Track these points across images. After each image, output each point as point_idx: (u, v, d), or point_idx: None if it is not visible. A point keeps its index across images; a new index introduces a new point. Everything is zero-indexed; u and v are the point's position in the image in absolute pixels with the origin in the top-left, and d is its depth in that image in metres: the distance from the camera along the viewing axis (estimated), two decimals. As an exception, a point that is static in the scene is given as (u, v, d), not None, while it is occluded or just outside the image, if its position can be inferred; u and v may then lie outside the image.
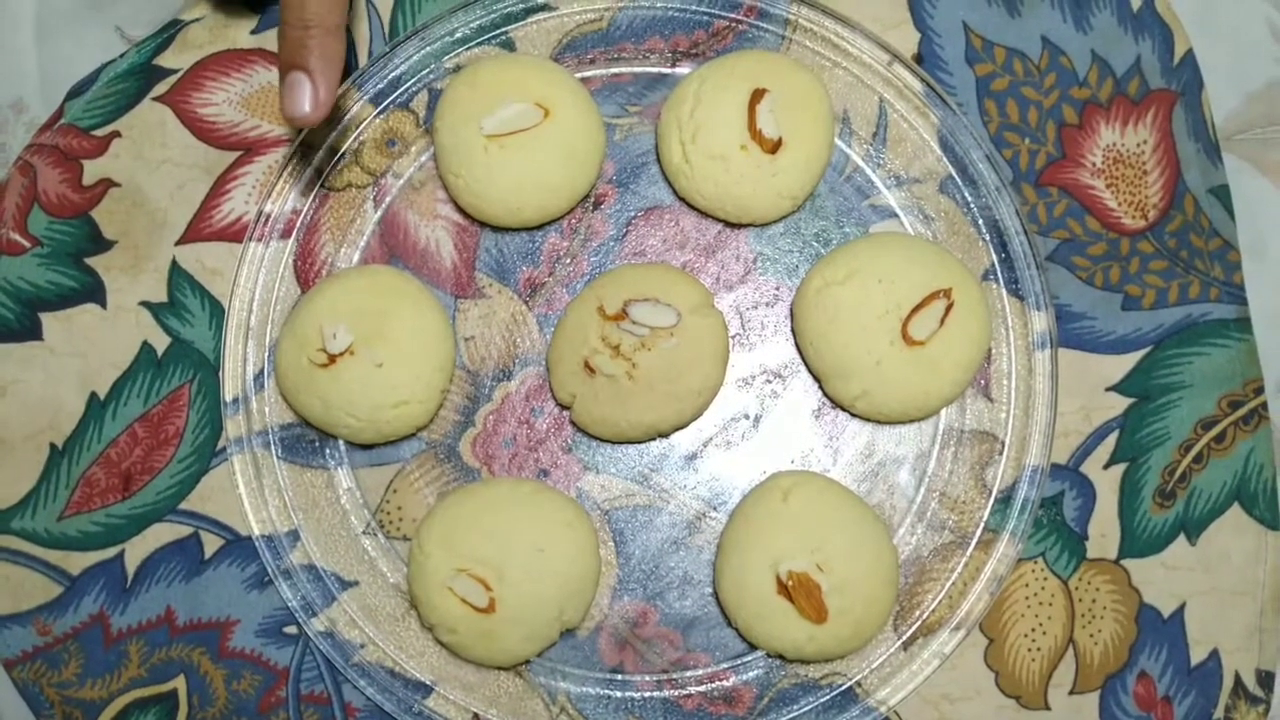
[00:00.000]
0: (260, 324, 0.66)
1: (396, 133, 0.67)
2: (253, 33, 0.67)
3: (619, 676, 0.64)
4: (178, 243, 0.66)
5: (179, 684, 0.64)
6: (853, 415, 0.65)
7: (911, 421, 0.65)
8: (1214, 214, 0.66)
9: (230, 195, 0.66)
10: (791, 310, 0.65)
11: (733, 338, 0.66)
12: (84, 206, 0.66)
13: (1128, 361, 0.65)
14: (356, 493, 0.65)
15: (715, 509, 0.65)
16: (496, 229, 0.66)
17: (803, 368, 0.65)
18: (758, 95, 0.63)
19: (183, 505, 0.65)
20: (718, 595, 0.63)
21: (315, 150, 0.66)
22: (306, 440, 0.65)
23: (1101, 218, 0.66)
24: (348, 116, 0.66)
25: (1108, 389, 0.65)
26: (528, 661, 0.64)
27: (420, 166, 0.67)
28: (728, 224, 0.66)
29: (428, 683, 0.64)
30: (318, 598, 0.64)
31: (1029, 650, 0.64)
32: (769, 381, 0.66)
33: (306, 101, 0.56)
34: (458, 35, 0.67)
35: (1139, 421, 0.65)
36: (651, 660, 0.64)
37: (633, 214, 0.67)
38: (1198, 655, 0.64)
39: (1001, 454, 0.65)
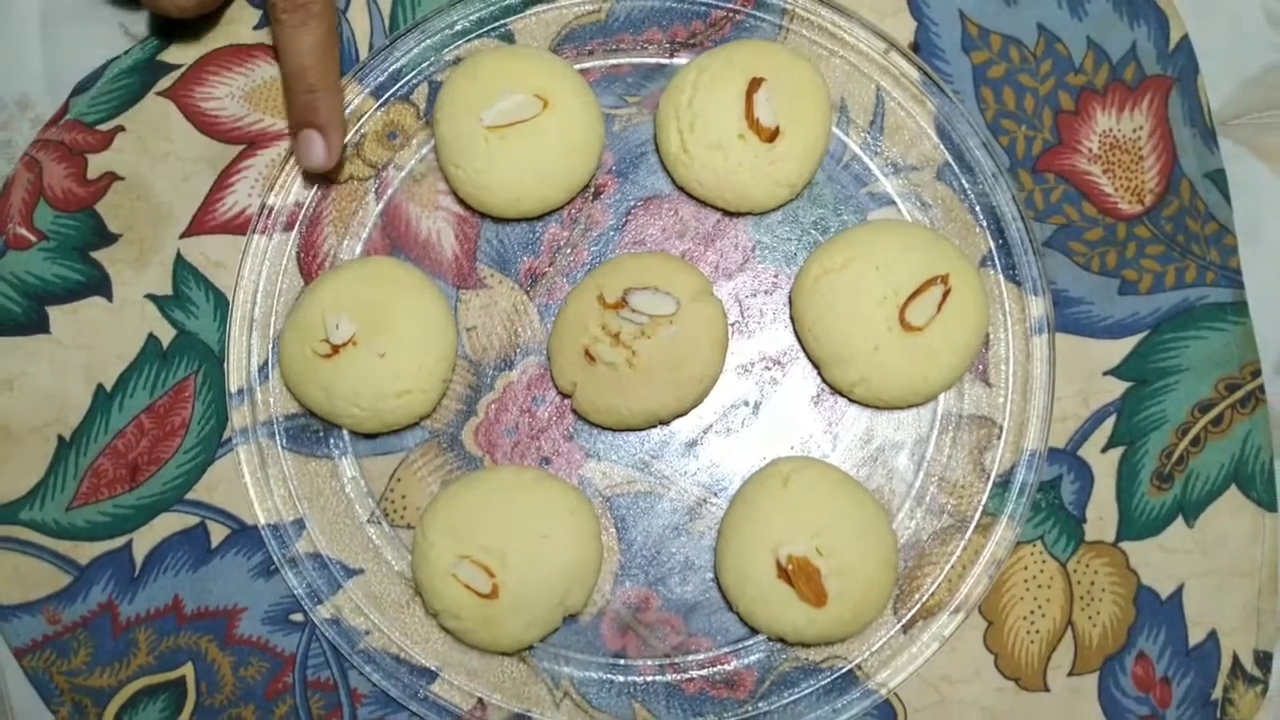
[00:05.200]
0: (264, 316, 0.66)
1: (397, 125, 0.67)
2: (255, 28, 0.67)
3: (621, 661, 0.65)
4: (182, 236, 0.67)
5: (187, 671, 0.65)
6: (851, 401, 0.65)
7: (910, 407, 0.65)
8: (1210, 198, 0.66)
9: (233, 189, 0.67)
10: (790, 297, 0.66)
11: (732, 325, 0.66)
12: (89, 200, 0.66)
13: (1125, 346, 0.66)
14: (361, 482, 0.66)
15: (716, 495, 0.65)
16: (497, 220, 0.67)
17: (802, 354, 0.66)
18: (755, 84, 0.64)
19: (189, 495, 0.65)
20: (719, 580, 0.64)
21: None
22: (311, 430, 0.66)
23: (1098, 203, 0.66)
24: (349, 109, 0.67)
25: (1105, 373, 0.66)
26: (531, 647, 0.64)
27: (421, 158, 0.67)
28: (726, 212, 0.67)
29: (433, 668, 0.64)
30: (323, 585, 0.65)
31: (1028, 632, 0.64)
32: (768, 368, 0.66)
33: (321, 153, 0.64)
34: (457, 28, 0.67)
35: (1136, 405, 0.65)
36: (653, 645, 0.65)
37: (632, 203, 0.67)
38: (1196, 636, 0.64)
39: (1000, 438, 0.65)
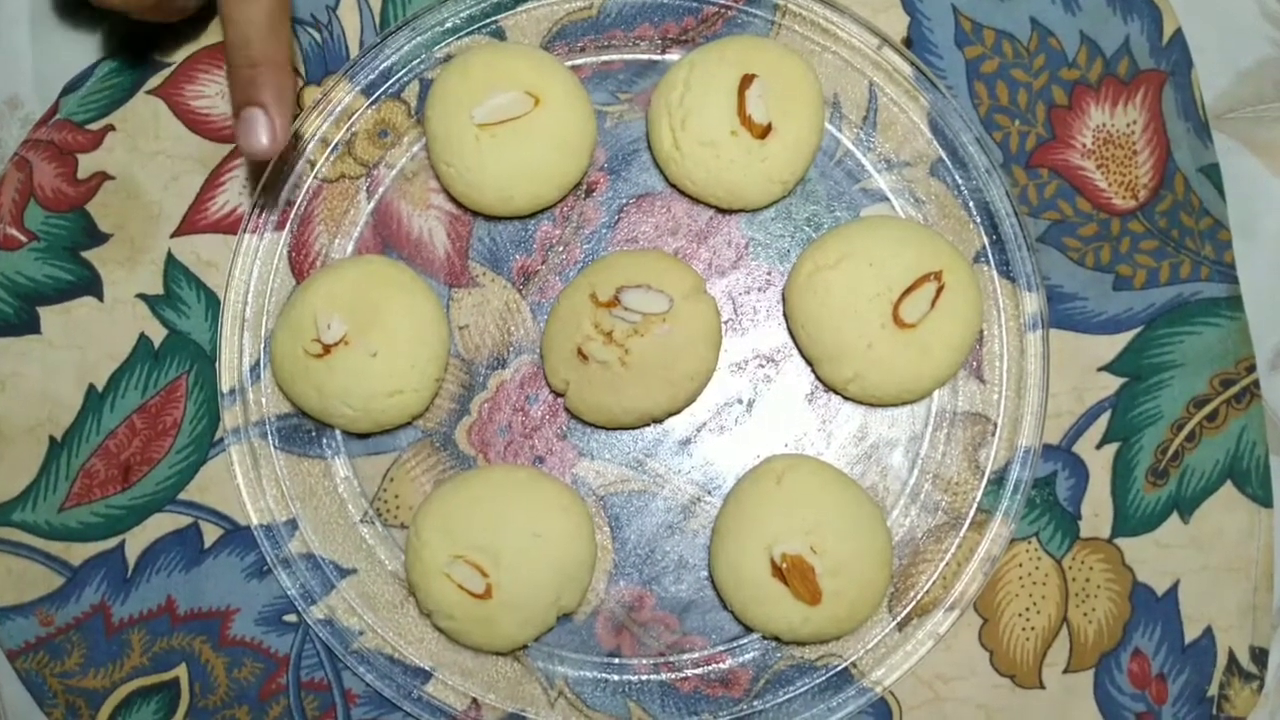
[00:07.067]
0: (256, 315, 0.66)
1: (388, 123, 0.67)
2: (244, 25, 0.67)
3: (616, 660, 0.64)
4: (173, 235, 0.66)
5: (180, 672, 0.65)
6: (845, 398, 0.65)
7: (904, 404, 0.65)
8: (1204, 193, 0.66)
9: (224, 187, 0.67)
10: (783, 295, 0.66)
11: (725, 323, 0.66)
12: (79, 200, 0.66)
13: (1119, 341, 0.66)
14: (354, 481, 0.66)
15: (710, 493, 0.65)
16: (489, 218, 0.67)
17: (795, 352, 0.66)
18: (747, 80, 0.64)
19: (182, 495, 0.65)
20: (713, 578, 0.64)
21: (308, 142, 0.66)
22: (303, 430, 0.66)
23: (1092, 198, 0.66)
24: (340, 108, 0.67)
25: (1099, 369, 0.65)
26: (525, 646, 0.64)
27: (412, 157, 0.67)
28: (719, 210, 0.67)
29: (427, 668, 0.64)
30: (316, 586, 0.65)
31: (1023, 629, 0.64)
32: (762, 366, 0.66)
33: (264, 135, 0.58)
34: (448, 25, 0.67)
35: (1131, 401, 0.65)
36: (648, 644, 0.65)
37: (624, 201, 0.67)
38: (1191, 633, 0.64)
39: (994, 435, 0.65)
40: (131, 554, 0.65)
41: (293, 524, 0.65)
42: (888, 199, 0.67)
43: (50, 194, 0.66)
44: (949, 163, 0.66)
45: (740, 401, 0.66)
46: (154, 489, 0.65)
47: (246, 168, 0.65)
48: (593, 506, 0.65)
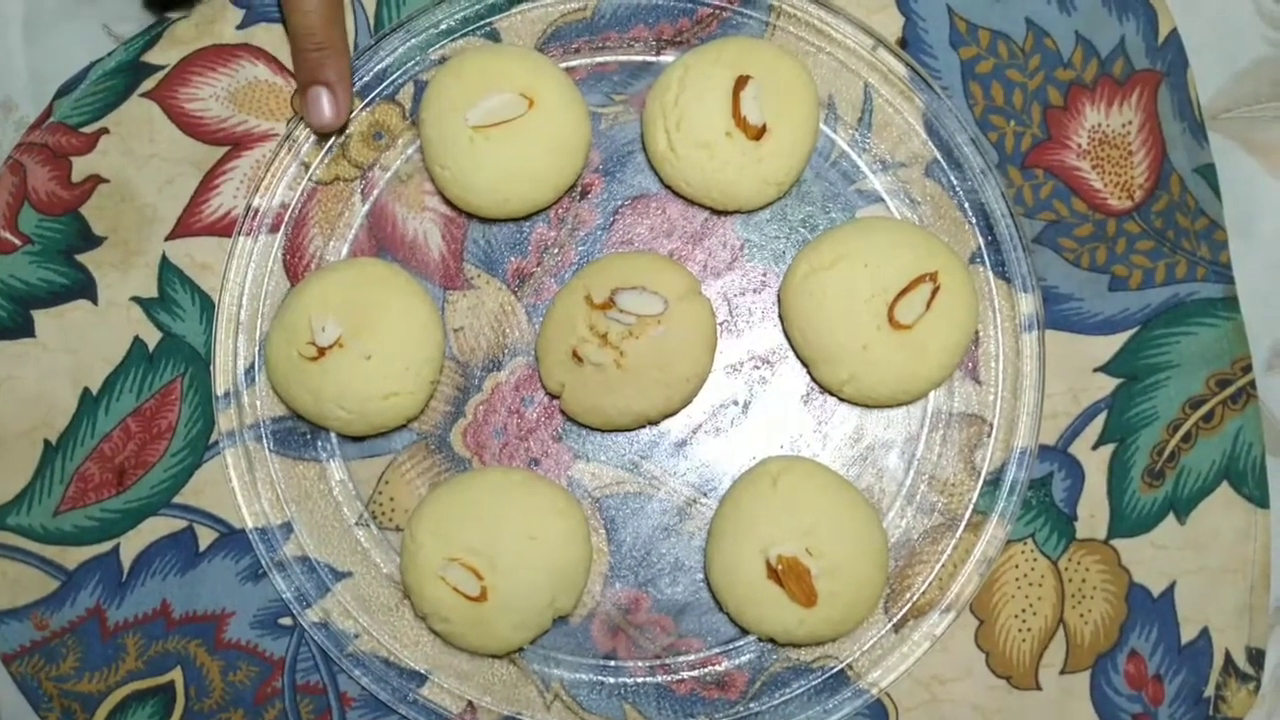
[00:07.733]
0: (250, 318, 0.66)
1: (383, 125, 0.67)
2: (238, 28, 0.67)
3: (612, 663, 0.64)
4: (167, 238, 0.66)
5: (176, 676, 0.65)
6: (841, 400, 0.65)
7: (900, 405, 0.65)
8: (1200, 193, 0.66)
9: (219, 190, 0.67)
10: (779, 296, 0.66)
11: (721, 324, 0.66)
12: (73, 203, 0.66)
13: (1115, 342, 0.65)
14: (349, 484, 0.66)
15: (705, 495, 0.65)
16: (484, 220, 0.67)
17: (791, 353, 0.66)
18: (741, 82, 0.64)
19: (177, 499, 0.65)
20: (709, 581, 0.63)
21: (302, 144, 0.66)
22: (298, 433, 0.66)
23: (1087, 199, 0.66)
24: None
25: (1095, 370, 0.65)
26: (521, 649, 0.64)
27: (407, 159, 0.67)
28: (714, 211, 0.67)
29: (422, 671, 0.64)
30: (312, 589, 0.65)
31: (1019, 631, 0.64)
32: (757, 367, 0.66)
33: (329, 110, 0.64)
34: (442, 27, 0.67)
35: (1127, 402, 0.65)
36: (644, 646, 0.64)
37: (619, 203, 0.67)
38: (1188, 634, 0.64)
39: (990, 436, 0.65)
40: (126, 557, 0.65)
41: (288, 527, 0.65)
42: (883, 200, 0.66)
43: (44, 197, 0.66)
44: (944, 164, 0.66)
45: (736, 403, 0.66)
46: (149, 492, 0.65)
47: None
48: (588, 509, 0.65)
